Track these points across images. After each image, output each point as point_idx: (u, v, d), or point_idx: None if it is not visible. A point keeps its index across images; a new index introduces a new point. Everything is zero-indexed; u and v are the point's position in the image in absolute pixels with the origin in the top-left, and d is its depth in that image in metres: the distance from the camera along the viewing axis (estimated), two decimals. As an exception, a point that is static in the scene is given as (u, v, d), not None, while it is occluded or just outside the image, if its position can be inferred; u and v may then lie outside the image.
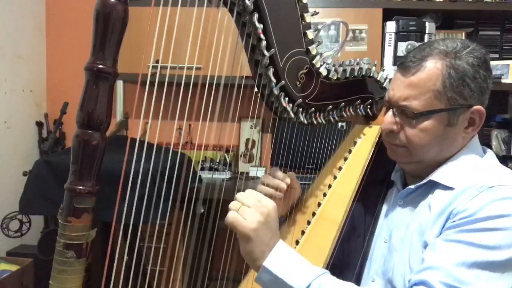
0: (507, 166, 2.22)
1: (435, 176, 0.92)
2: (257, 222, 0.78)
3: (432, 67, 0.88)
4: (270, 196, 1.03)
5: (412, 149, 0.92)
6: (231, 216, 0.79)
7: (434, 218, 0.86)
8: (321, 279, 0.77)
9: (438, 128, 0.89)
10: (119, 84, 2.56)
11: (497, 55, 2.38)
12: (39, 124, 2.67)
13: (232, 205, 0.80)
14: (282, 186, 1.03)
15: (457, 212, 0.83)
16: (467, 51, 0.88)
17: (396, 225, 0.97)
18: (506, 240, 0.78)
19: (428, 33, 2.24)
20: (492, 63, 2.25)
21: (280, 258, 0.79)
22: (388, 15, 2.28)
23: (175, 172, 0.94)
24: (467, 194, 0.84)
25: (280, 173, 1.04)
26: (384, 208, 1.05)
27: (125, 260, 0.74)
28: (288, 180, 1.04)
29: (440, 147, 0.92)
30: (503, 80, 2.21)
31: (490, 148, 2.34)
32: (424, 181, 0.93)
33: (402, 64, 0.93)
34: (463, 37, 2.35)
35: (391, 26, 2.26)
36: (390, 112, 0.95)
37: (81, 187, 0.62)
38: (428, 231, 0.86)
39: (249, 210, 0.79)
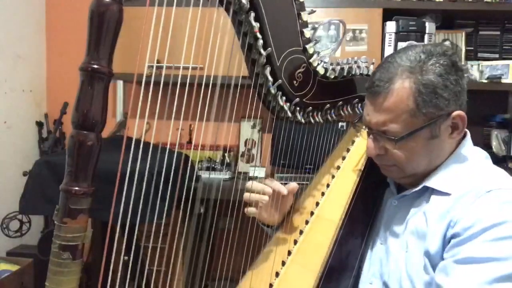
0: (507, 166, 2.21)
1: (429, 182, 0.91)
2: None
3: (401, 88, 0.86)
4: (256, 203, 1.03)
5: (401, 167, 0.92)
6: None
7: (434, 226, 0.86)
8: None
9: (422, 144, 0.88)
10: (119, 84, 2.56)
11: (497, 55, 2.37)
12: (39, 124, 2.67)
13: None
14: (267, 190, 1.03)
15: (457, 220, 0.82)
16: (432, 62, 0.86)
17: (391, 228, 0.97)
18: None
19: (428, 33, 2.23)
20: (492, 63, 2.24)
21: None
22: (388, 15, 2.28)
23: (174, 172, 0.94)
24: (465, 200, 0.83)
25: (267, 180, 1.05)
26: (381, 209, 1.05)
27: (122, 259, 0.74)
28: (274, 184, 1.04)
29: (428, 158, 0.91)
30: (503, 80, 2.20)
31: (490, 148, 2.34)
32: (418, 187, 0.93)
33: (370, 89, 0.90)
34: (463, 37, 2.35)
35: (391, 26, 2.26)
36: (370, 138, 0.94)
37: (76, 188, 0.62)
38: (429, 239, 0.86)
39: None
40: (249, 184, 1.04)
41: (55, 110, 2.64)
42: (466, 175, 0.89)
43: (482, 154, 0.95)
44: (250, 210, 1.05)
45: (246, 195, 1.04)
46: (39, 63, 2.75)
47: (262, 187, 1.03)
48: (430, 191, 0.91)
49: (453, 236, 0.82)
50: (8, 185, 2.42)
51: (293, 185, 1.06)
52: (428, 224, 0.87)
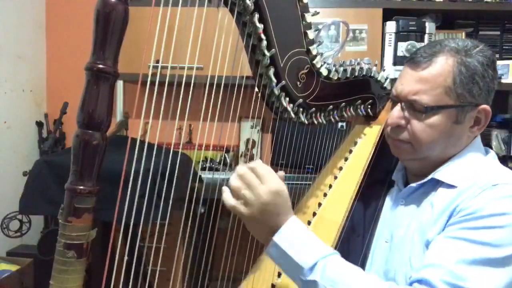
0: (507, 166, 2.22)
1: (438, 175, 0.92)
2: (257, 208, 0.77)
3: (443, 63, 0.88)
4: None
5: (417, 145, 0.92)
6: (229, 205, 0.79)
7: (437, 216, 0.87)
8: (328, 259, 0.77)
9: (446, 124, 0.89)
10: (119, 84, 2.56)
11: (497, 55, 2.38)
12: (39, 124, 2.66)
13: (234, 186, 0.79)
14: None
15: (460, 210, 0.83)
16: (477, 50, 0.89)
17: (397, 225, 0.97)
18: (508, 238, 0.78)
19: (428, 33, 2.24)
20: (492, 63, 2.25)
21: (290, 234, 0.79)
22: (388, 15, 2.28)
23: (176, 172, 0.94)
24: (470, 192, 0.84)
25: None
26: (385, 208, 1.05)
27: (125, 260, 0.74)
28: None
29: (445, 144, 0.92)
30: (503, 80, 2.22)
31: (490, 148, 2.35)
32: (426, 179, 0.93)
33: (413, 59, 0.92)
34: (463, 37, 2.36)
35: (391, 26, 2.26)
36: (398, 107, 0.94)
37: (81, 187, 0.62)
38: (430, 229, 0.86)
39: (249, 195, 0.78)
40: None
41: (55, 110, 2.63)
42: (473, 170, 0.90)
43: (491, 153, 0.97)
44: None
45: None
46: (39, 63, 2.75)
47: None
48: (437, 184, 0.92)
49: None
50: (8, 185, 2.42)
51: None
52: (433, 214, 0.88)
